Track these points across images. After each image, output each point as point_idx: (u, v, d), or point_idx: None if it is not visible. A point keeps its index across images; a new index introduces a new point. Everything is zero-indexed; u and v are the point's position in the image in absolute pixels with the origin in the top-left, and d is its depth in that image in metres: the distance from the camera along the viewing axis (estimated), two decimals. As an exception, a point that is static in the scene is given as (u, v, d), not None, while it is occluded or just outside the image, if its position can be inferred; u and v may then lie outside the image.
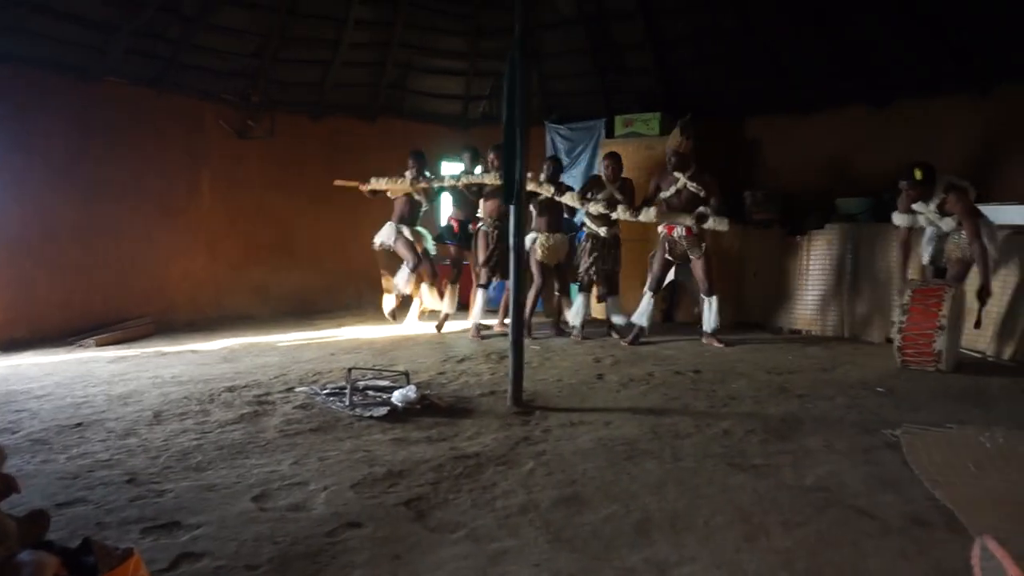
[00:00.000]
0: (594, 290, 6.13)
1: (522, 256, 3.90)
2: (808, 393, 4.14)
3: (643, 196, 5.84)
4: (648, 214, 5.42)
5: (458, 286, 6.56)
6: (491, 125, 7.68)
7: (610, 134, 7.29)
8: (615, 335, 6.07)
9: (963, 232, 4.77)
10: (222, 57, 6.74)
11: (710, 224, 5.31)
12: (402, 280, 6.41)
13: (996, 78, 5.86)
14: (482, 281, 6.14)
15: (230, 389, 4.17)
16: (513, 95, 3.67)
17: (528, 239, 5.92)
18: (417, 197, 6.39)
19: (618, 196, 5.73)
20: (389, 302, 6.63)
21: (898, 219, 5.12)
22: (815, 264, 6.27)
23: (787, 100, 6.98)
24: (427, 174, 6.41)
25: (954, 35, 5.75)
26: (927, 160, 4.89)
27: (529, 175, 5.72)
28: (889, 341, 5.04)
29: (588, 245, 5.99)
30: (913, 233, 5.14)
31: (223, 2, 6.30)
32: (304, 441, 3.23)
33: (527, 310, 5.92)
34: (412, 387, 3.88)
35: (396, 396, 3.78)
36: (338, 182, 6.65)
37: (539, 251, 5.98)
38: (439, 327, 6.46)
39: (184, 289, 6.92)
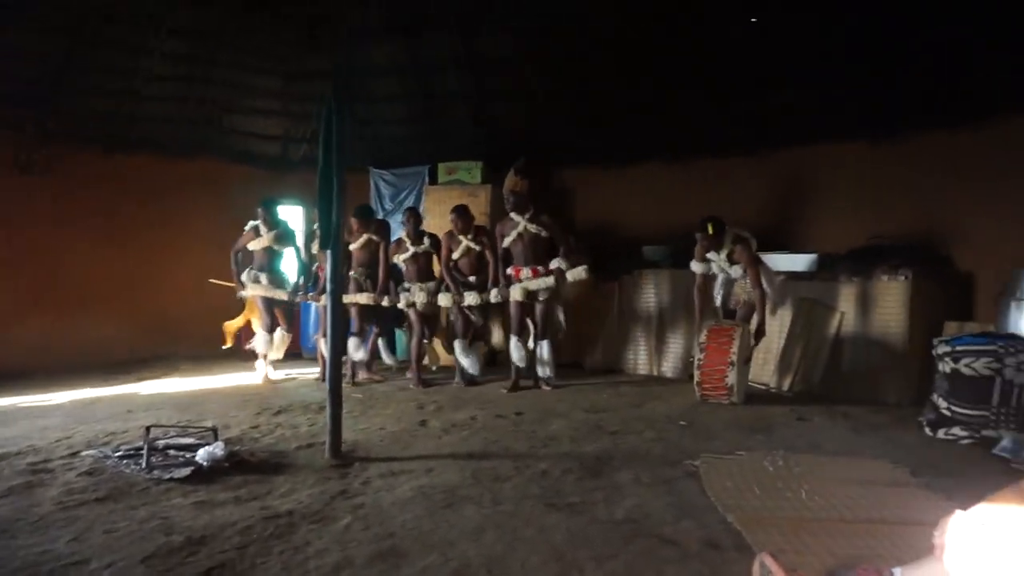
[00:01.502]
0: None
1: (339, 304, 3.81)
2: (620, 430, 4.38)
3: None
4: (515, 292, 5.59)
5: (289, 335, 6.35)
6: (311, 169, 7.50)
7: (434, 180, 7.41)
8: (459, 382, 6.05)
9: (748, 278, 5.33)
10: (7, 81, 6.04)
11: (571, 277, 5.52)
12: (261, 343, 6.19)
13: (772, 144, 6.69)
14: (353, 329, 6.04)
15: (-2, 458, 3.64)
16: (330, 139, 3.63)
17: (401, 291, 5.99)
18: (276, 247, 6.19)
19: (475, 247, 5.84)
20: (260, 351, 6.32)
21: (695, 266, 5.61)
22: (626, 307, 6.70)
23: (597, 154, 7.49)
24: (279, 220, 6.18)
25: (737, 105, 6.51)
26: (718, 214, 5.44)
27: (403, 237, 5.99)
28: (691, 377, 5.46)
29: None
30: (708, 279, 5.65)
31: (9, 23, 5.67)
32: (88, 513, 2.89)
33: (413, 360, 6.01)
34: (220, 443, 3.62)
35: (201, 454, 3.51)
36: (214, 281, 6.51)
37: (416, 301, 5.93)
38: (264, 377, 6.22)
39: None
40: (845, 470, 3.49)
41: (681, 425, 4.49)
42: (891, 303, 5.30)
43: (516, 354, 5.77)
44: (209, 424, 4.13)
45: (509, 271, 5.77)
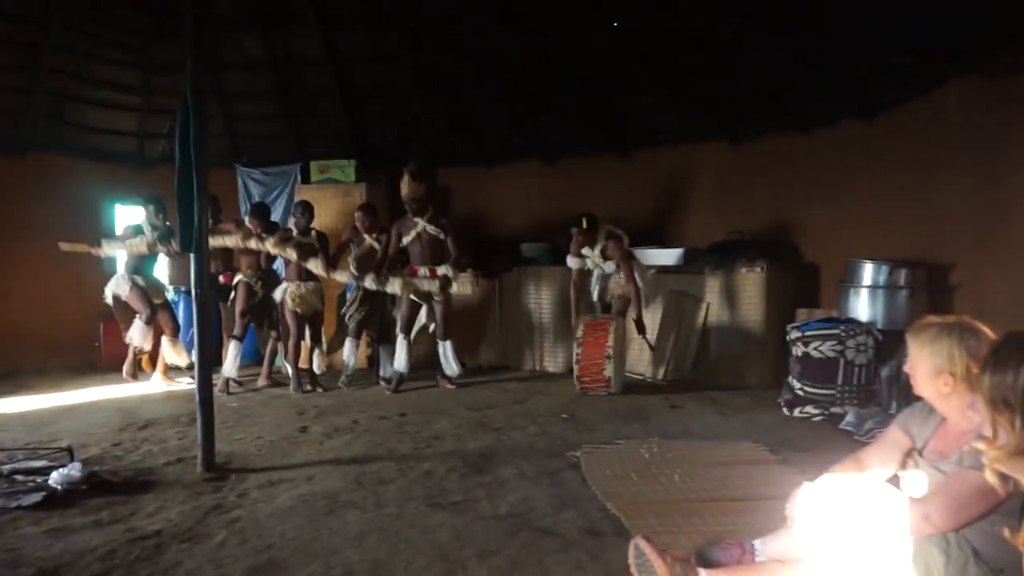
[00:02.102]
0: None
1: (206, 309, 3.63)
2: (504, 425, 4.45)
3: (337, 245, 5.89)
4: (395, 286, 5.54)
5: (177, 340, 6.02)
6: (168, 166, 7.08)
7: (306, 179, 7.20)
8: (383, 383, 5.96)
9: (622, 273, 5.55)
10: None
11: (455, 289, 5.55)
12: (138, 334, 5.86)
13: (639, 144, 6.99)
14: (237, 332, 5.79)
15: None
16: (187, 135, 3.45)
17: (279, 290, 5.84)
18: (158, 249, 5.84)
19: (376, 247, 5.75)
20: (136, 344, 6.00)
21: (570, 262, 5.77)
22: (508, 304, 6.80)
23: (474, 153, 7.54)
24: (165, 220, 5.81)
25: (604, 107, 6.75)
26: (591, 211, 5.63)
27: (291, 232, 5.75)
28: (571, 371, 5.63)
29: (359, 294, 5.86)
30: (584, 274, 5.83)
31: None
32: (-82, 551, 2.60)
33: (291, 362, 5.86)
34: (76, 464, 3.38)
35: (55, 477, 3.25)
36: (65, 246, 5.84)
37: (290, 300, 5.74)
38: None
39: None
40: (713, 453, 3.73)
41: (563, 418, 4.62)
42: (750, 293, 5.68)
43: (401, 353, 5.74)
44: (63, 444, 3.84)
45: (407, 269, 5.76)
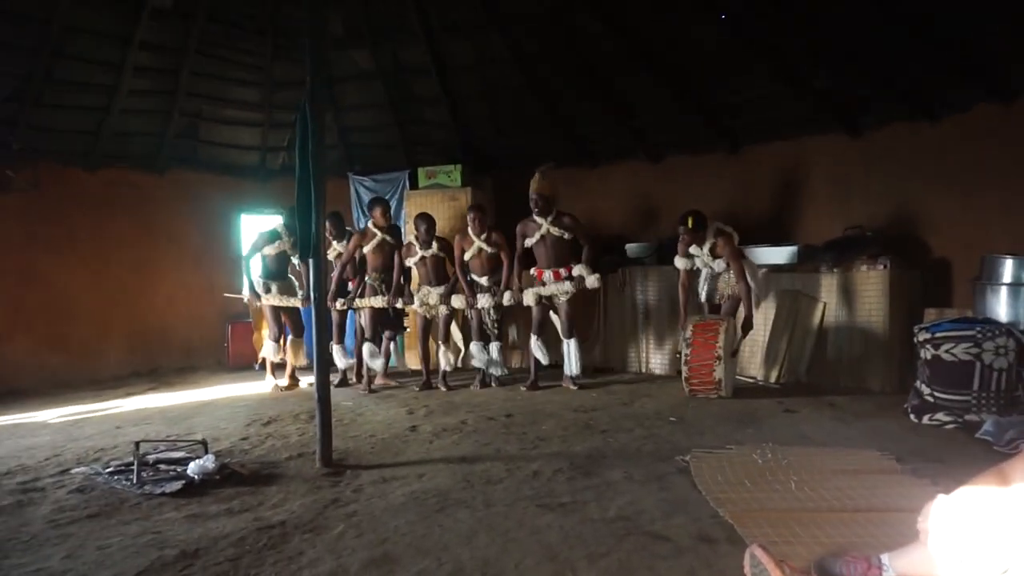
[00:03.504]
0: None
1: (323, 311, 3.80)
2: (610, 428, 4.41)
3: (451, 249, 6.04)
4: (529, 298, 5.69)
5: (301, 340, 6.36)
6: (289, 177, 7.53)
7: (414, 185, 7.42)
8: (493, 384, 6.09)
9: (732, 272, 5.38)
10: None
11: (588, 284, 5.62)
12: (269, 351, 6.32)
13: (743, 139, 6.76)
14: (368, 335, 6.14)
15: (-15, 479, 3.61)
16: (306, 147, 3.63)
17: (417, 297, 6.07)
18: (291, 252, 6.25)
19: (488, 249, 5.86)
20: (268, 358, 6.43)
21: (678, 262, 5.65)
22: (612, 305, 6.74)
23: (576, 154, 7.53)
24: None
25: (708, 102, 6.57)
26: (698, 209, 5.49)
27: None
28: (679, 373, 5.51)
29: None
30: (692, 274, 5.70)
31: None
32: (80, 530, 2.87)
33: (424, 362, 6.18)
34: (210, 456, 3.61)
35: (192, 468, 3.50)
36: (228, 295, 6.80)
37: (418, 306, 6.04)
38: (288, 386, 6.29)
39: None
40: (833, 460, 3.54)
41: (671, 421, 4.53)
42: (871, 292, 5.37)
43: (538, 353, 5.82)
44: (199, 437, 4.12)
45: (532, 272, 5.85)
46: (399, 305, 6.08)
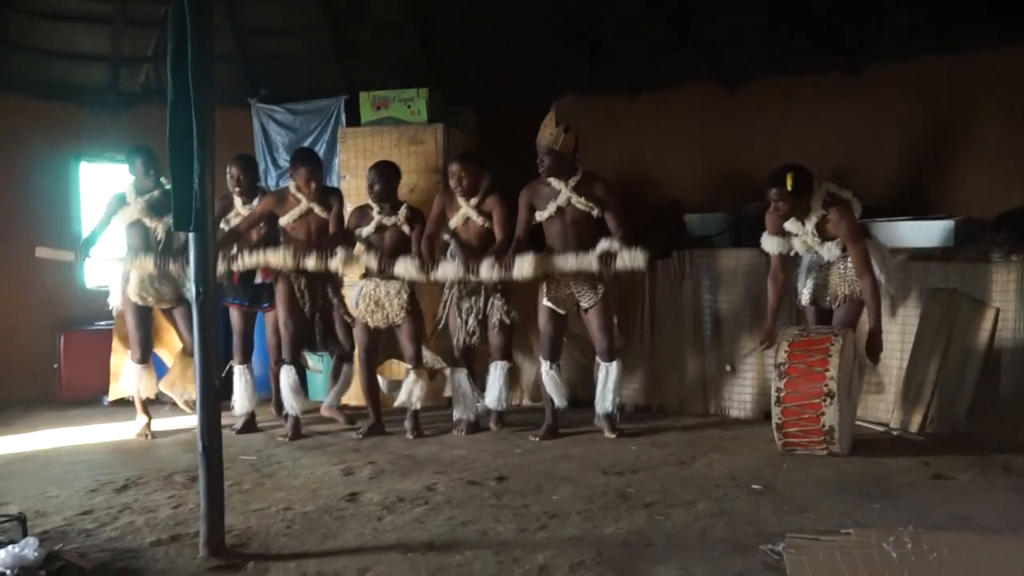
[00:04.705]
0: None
1: (210, 314, 3.75)
2: (659, 499, 4.37)
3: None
4: (524, 268, 5.53)
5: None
6: (157, 104, 7.43)
7: (354, 120, 7.38)
8: (493, 427, 6.19)
9: (850, 260, 5.34)
10: None
11: (624, 262, 5.47)
12: (129, 379, 6.30)
13: (867, 56, 6.75)
14: (284, 355, 6.22)
15: None
16: (182, 58, 3.55)
17: (355, 290, 6.12)
18: (149, 220, 6.16)
19: (478, 220, 5.90)
20: (123, 391, 6.44)
21: (768, 244, 5.61)
22: (662, 310, 6.70)
23: (606, 77, 7.53)
24: (158, 179, 6.18)
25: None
26: (799, 164, 5.44)
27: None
28: (767, 416, 5.47)
29: (453, 293, 6.06)
30: (788, 262, 5.66)
31: None
32: None
33: (366, 393, 6.21)
34: (31, 541, 3.56)
35: (2, 559, 3.44)
36: (43, 252, 6.35)
37: (363, 308, 6.01)
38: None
39: None
40: (1009, 557, 3.52)
41: (754, 490, 4.51)
42: (1073, 294, 5.39)
43: (551, 386, 5.85)
44: (13, 511, 4.07)
45: None
46: (337, 266, 5.89)
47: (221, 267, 5.79)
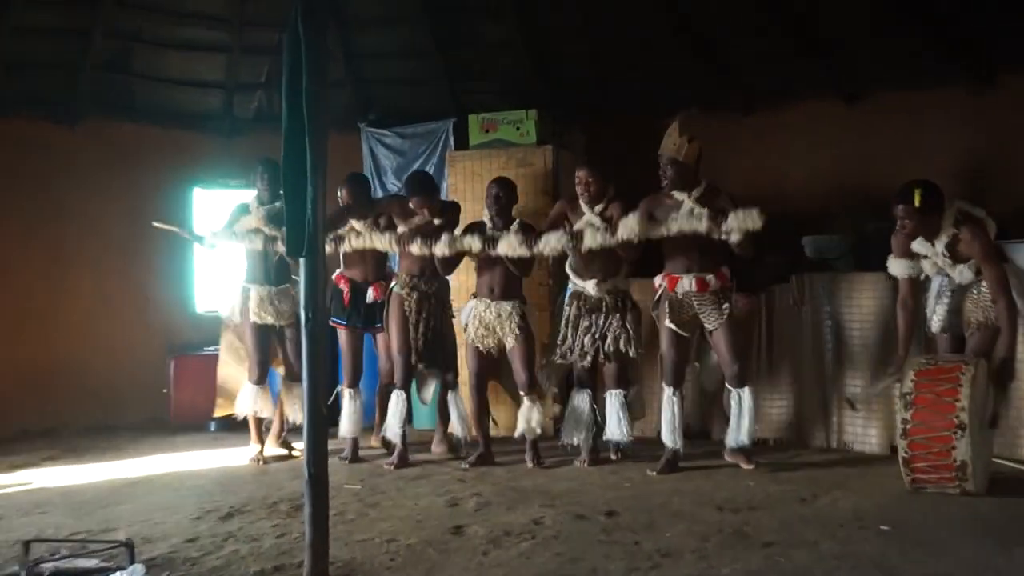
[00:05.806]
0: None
1: (320, 340, 3.78)
2: (778, 539, 4.27)
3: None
4: (630, 223, 5.46)
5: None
6: (270, 130, 7.60)
7: (462, 143, 7.44)
8: (614, 456, 6.16)
9: (985, 283, 5.15)
10: None
11: (737, 222, 5.25)
12: (247, 399, 6.36)
13: (1002, 66, 6.58)
14: (398, 379, 6.23)
15: None
16: (296, 84, 3.60)
17: (465, 311, 6.21)
18: (270, 230, 6.23)
19: (598, 223, 5.81)
20: (238, 412, 6.52)
21: (896, 267, 5.44)
22: (778, 337, 6.60)
23: (718, 93, 7.48)
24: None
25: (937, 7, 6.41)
26: (928, 179, 5.27)
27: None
28: (893, 451, 5.33)
29: (571, 311, 6.04)
30: (917, 286, 5.47)
31: None
32: None
33: (470, 419, 6.24)
34: (138, 568, 3.66)
35: (109, 586, 3.53)
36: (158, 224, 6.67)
37: (473, 330, 6.08)
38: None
39: None
40: None
41: (882, 531, 4.38)
42: None
43: (668, 414, 5.79)
44: (121, 537, 4.15)
45: (659, 280, 5.81)
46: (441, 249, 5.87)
47: (329, 248, 5.73)
